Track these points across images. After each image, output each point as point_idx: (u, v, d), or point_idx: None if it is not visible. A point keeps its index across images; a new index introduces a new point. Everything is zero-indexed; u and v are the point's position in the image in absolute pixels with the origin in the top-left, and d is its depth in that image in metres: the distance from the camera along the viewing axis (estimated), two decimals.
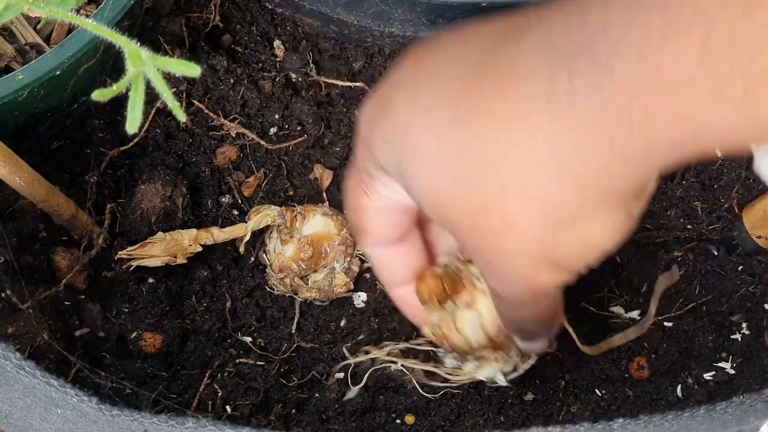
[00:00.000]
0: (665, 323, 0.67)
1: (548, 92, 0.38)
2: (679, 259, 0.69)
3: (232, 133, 0.70)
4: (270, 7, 0.75)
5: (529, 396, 0.64)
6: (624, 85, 0.36)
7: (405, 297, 0.56)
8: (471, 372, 0.56)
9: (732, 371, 0.65)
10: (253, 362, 0.65)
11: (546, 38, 0.39)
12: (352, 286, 0.67)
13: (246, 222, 0.67)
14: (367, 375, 0.64)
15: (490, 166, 0.40)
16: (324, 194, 0.71)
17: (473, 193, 0.42)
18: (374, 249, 0.54)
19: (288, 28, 0.75)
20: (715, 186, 0.70)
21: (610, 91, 0.36)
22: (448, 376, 0.57)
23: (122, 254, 0.65)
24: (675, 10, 0.34)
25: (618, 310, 0.68)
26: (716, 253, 0.69)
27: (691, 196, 0.70)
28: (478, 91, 0.41)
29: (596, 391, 0.64)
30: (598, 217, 0.41)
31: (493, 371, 0.56)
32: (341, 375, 0.65)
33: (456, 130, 0.41)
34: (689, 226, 0.69)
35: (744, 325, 0.66)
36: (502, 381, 0.56)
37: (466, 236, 0.44)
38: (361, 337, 0.67)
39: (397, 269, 0.55)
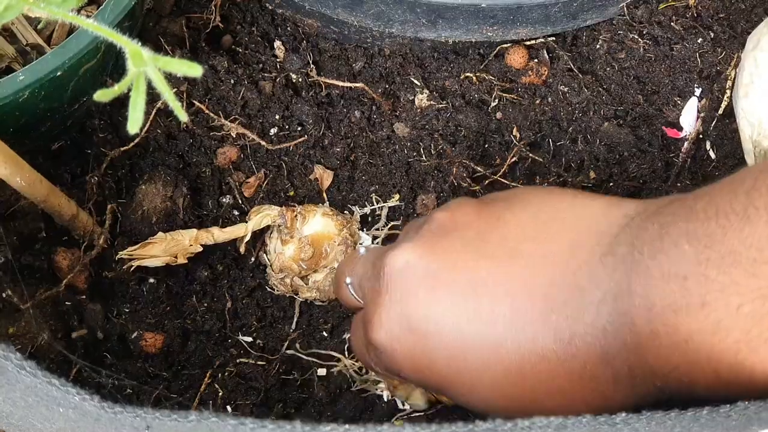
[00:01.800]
0: None
1: None
2: None
3: (232, 134, 0.70)
4: (270, 7, 0.75)
5: None
6: None
7: None
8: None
9: None
10: (253, 362, 0.65)
11: None
12: None
13: (246, 222, 0.67)
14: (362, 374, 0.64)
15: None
16: (324, 194, 0.71)
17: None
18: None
19: (288, 28, 0.75)
20: None
21: None
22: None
23: (123, 254, 0.65)
24: None
25: None
26: None
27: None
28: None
29: None
30: None
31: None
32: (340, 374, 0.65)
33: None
34: None
35: None
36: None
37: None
38: None
39: None
